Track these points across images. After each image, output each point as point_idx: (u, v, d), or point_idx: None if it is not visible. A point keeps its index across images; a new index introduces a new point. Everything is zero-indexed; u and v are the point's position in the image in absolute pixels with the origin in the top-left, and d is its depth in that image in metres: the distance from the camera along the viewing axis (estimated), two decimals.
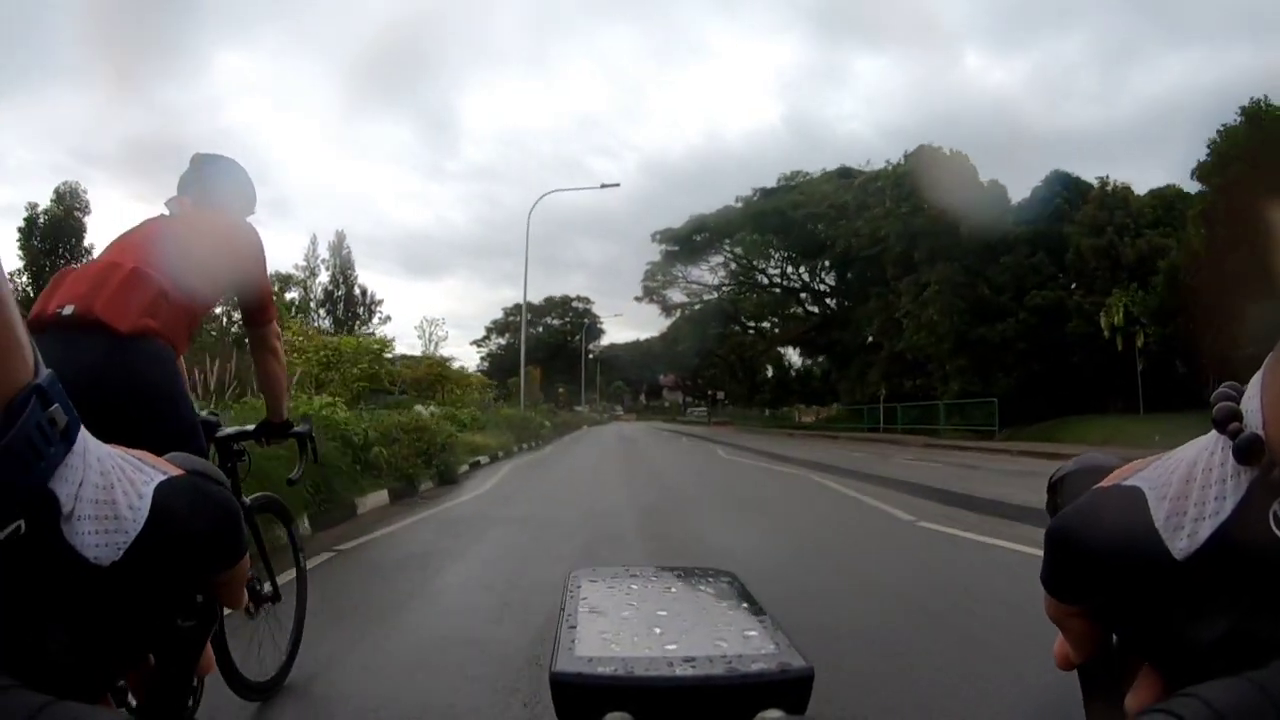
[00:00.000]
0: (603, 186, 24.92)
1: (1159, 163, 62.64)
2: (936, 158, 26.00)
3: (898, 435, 22.31)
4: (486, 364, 50.52)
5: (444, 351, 33.05)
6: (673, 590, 0.46)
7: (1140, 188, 22.54)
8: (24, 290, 22.55)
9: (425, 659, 2.42)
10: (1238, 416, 0.25)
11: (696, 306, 39.32)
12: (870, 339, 31.01)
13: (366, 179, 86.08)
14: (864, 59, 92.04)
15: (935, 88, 65.61)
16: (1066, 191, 23.94)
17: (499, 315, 57.12)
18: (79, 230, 26.92)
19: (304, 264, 39.32)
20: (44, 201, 27.07)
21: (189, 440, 1.57)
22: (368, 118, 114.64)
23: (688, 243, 34.64)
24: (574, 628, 0.38)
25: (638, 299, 39.85)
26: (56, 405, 0.24)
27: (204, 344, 14.26)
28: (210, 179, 1.79)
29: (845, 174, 30.52)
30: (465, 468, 9.48)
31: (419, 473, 7.63)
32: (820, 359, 39.52)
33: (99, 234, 25.59)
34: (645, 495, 7.48)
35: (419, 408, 11.66)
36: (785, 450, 15.00)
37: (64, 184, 27.26)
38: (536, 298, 68.83)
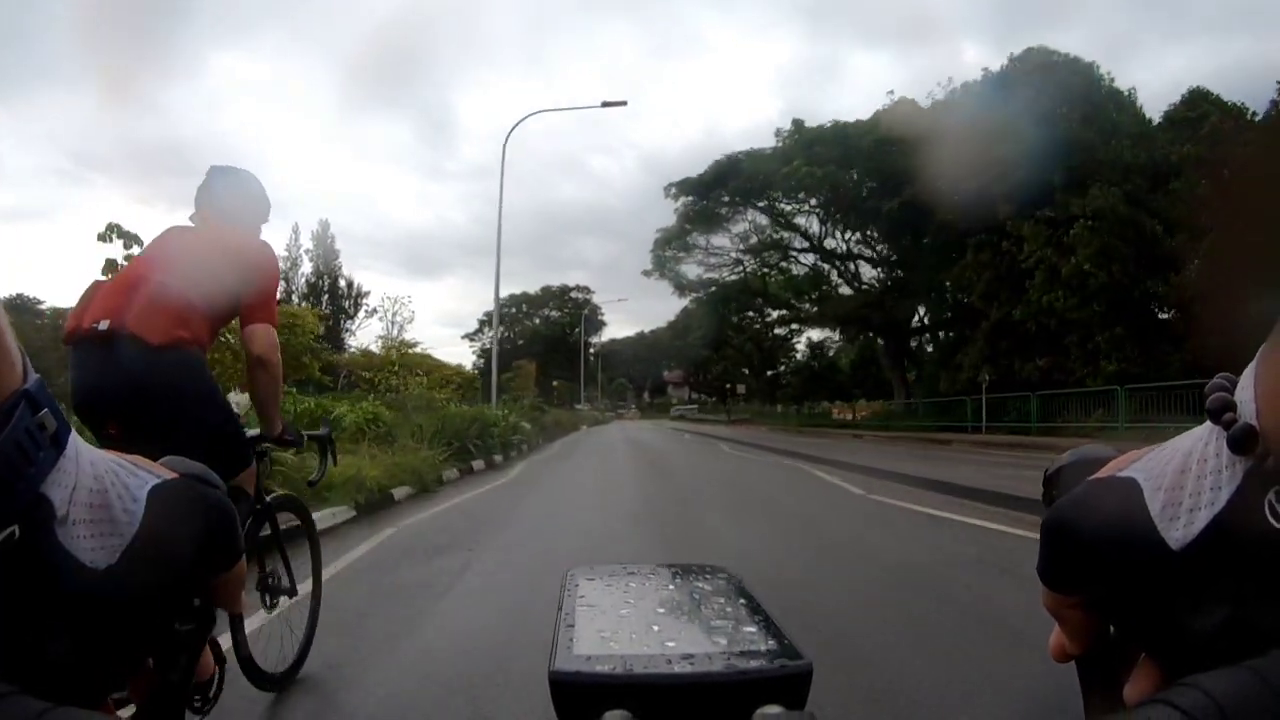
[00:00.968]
0: (604, 105, 18.33)
1: None
2: (1052, 63, 19.29)
3: (1012, 435, 15.16)
4: (482, 361, 44.04)
5: (411, 335, 26.60)
6: (671, 587, 0.45)
7: None
8: None
9: None
10: (1232, 407, 0.25)
11: (712, 289, 32.60)
12: (945, 315, 24.24)
13: (366, 179, 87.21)
14: (862, 54, 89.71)
15: (933, 82, 61.40)
16: (1218, 113, 17.32)
17: (493, 307, 49.96)
18: None
19: (284, 255, 35.18)
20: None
21: (231, 438, 1.72)
22: (367, 118, 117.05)
23: (712, 192, 27.58)
24: (572, 626, 0.38)
25: (646, 273, 33.03)
26: (46, 410, 0.24)
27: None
28: (224, 191, 1.85)
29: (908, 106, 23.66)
30: None
31: None
32: (860, 340, 32.96)
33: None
34: None
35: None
36: (943, 471, 8.22)
37: None
38: (533, 287, 64.30)
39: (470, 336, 54.13)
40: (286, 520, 2.20)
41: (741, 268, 31.51)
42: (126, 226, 4.37)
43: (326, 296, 37.45)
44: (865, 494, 6.76)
